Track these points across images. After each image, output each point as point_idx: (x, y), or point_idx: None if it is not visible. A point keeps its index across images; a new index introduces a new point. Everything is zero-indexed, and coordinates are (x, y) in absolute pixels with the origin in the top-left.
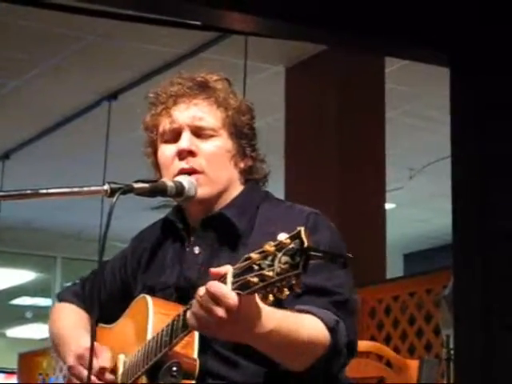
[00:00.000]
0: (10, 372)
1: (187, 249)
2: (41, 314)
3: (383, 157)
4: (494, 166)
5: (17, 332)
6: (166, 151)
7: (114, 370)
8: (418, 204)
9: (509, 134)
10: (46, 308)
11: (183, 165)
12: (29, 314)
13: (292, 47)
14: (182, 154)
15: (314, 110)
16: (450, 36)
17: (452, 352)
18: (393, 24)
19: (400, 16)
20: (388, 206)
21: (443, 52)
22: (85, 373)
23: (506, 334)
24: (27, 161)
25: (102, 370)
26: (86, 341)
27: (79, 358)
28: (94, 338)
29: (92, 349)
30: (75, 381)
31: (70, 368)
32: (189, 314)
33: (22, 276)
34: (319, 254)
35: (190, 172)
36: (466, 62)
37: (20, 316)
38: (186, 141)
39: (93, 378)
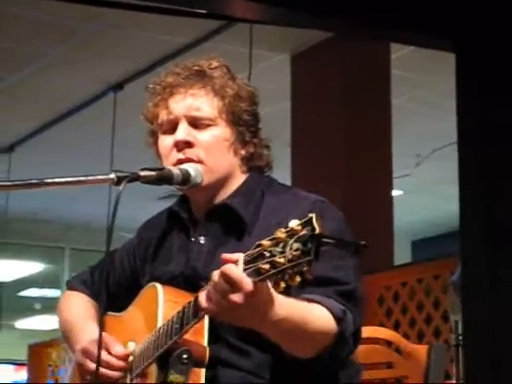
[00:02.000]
0: (20, 363)
1: (192, 239)
2: (49, 306)
3: (390, 144)
4: (500, 151)
5: (26, 323)
6: (164, 142)
7: (125, 359)
8: (425, 191)
9: None
10: (55, 299)
11: (180, 156)
12: (37, 306)
13: (297, 35)
14: (179, 146)
15: (319, 98)
16: (456, 21)
17: (461, 338)
18: (398, 10)
19: (405, 2)
20: (395, 192)
21: (448, 37)
22: (92, 367)
23: None
24: (33, 153)
25: (121, 356)
26: (93, 330)
27: (85, 351)
28: (102, 327)
29: (101, 337)
30: (87, 377)
31: (78, 365)
32: (202, 297)
33: (30, 267)
34: (331, 241)
35: (188, 162)
36: (471, 48)
37: (29, 307)
38: (182, 132)
39: (103, 370)
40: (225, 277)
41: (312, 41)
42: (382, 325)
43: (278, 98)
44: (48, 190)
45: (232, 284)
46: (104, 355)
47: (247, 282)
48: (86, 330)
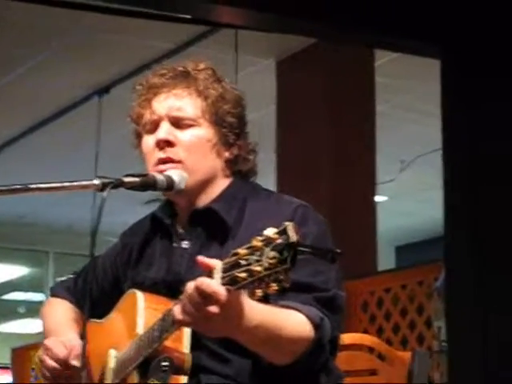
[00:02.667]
0: (3, 367)
1: (175, 244)
2: (33, 309)
3: (374, 149)
4: (485, 158)
5: (10, 327)
6: (147, 142)
7: (104, 366)
8: (409, 196)
9: (500, 127)
10: (39, 303)
11: (161, 155)
12: (21, 309)
13: (282, 40)
14: (160, 144)
15: (304, 103)
16: (441, 28)
17: (444, 344)
18: (382, 16)
19: (390, 8)
20: (379, 198)
21: (434, 44)
22: (52, 364)
23: (499, 327)
24: (17, 157)
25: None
26: (68, 336)
27: (46, 349)
28: (85, 333)
29: (85, 341)
30: (46, 373)
31: (40, 361)
32: (176, 309)
33: (14, 271)
34: (307, 249)
35: (167, 161)
36: (457, 54)
37: (13, 311)
38: (163, 131)
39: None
40: (199, 291)
41: (297, 47)
42: (365, 331)
43: (263, 104)
44: (32, 195)
45: (207, 297)
46: (62, 354)
47: (222, 294)
48: (56, 334)
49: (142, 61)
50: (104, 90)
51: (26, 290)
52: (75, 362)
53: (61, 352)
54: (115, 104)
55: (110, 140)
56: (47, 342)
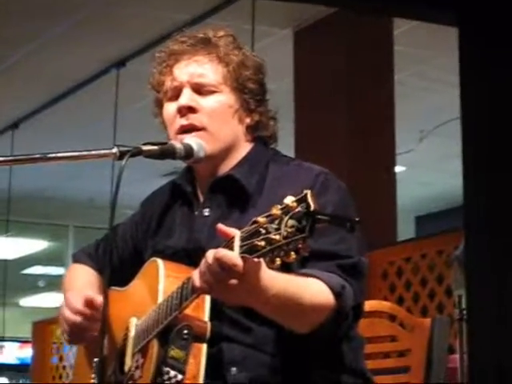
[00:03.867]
0: (24, 341)
1: (196, 212)
2: (53, 283)
3: (393, 119)
4: (504, 125)
5: (30, 301)
6: (169, 109)
7: (126, 333)
8: (428, 166)
9: None
10: (59, 277)
11: (183, 121)
12: (42, 283)
13: (300, 10)
14: (182, 111)
15: (322, 73)
16: None
17: (464, 312)
18: None
19: None
20: (398, 168)
21: (452, 11)
22: (70, 316)
23: None
24: (36, 130)
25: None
26: (84, 291)
27: (66, 302)
28: (106, 296)
29: (105, 309)
30: (64, 326)
31: (60, 314)
32: (195, 276)
33: (34, 245)
34: (326, 218)
35: (191, 129)
36: (474, 22)
37: (33, 285)
38: (186, 97)
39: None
40: (219, 262)
41: (315, 16)
42: (385, 300)
43: (280, 74)
44: (51, 168)
45: (226, 269)
46: (78, 304)
47: (240, 266)
48: (79, 289)
49: (158, 33)
50: (121, 63)
51: (46, 264)
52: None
53: (79, 303)
54: (133, 77)
55: (128, 113)
56: (68, 294)
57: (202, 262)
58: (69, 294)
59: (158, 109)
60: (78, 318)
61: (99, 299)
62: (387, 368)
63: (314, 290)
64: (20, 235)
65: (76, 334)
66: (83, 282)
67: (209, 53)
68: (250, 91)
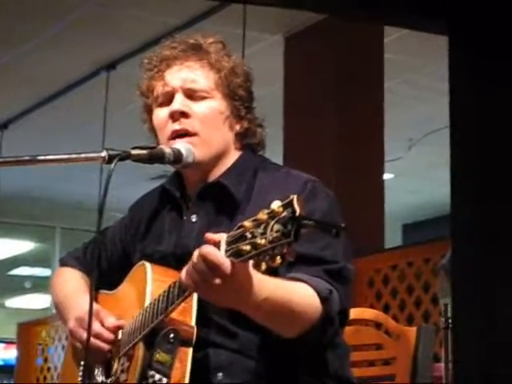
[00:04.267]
0: (9, 342)
1: (184, 217)
2: (40, 284)
3: (382, 127)
4: (492, 135)
5: (16, 302)
6: (160, 114)
7: (114, 331)
8: (416, 174)
9: (509, 105)
10: (45, 278)
11: (175, 126)
12: (28, 284)
13: (290, 16)
14: (175, 116)
15: (312, 80)
16: (449, 3)
17: (450, 321)
18: None
19: None
20: (387, 176)
21: (441, 19)
22: (84, 335)
23: (504, 304)
24: (25, 131)
25: (113, 329)
26: (86, 302)
27: (79, 320)
28: (92, 300)
29: (91, 311)
30: (77, 344)
31: (70, 331)
32: (183, 274)
33: (21, 246)
34: (311, 223)
35: (183, 134)
36: (464, 30)
37: (19, 286)
38: (179, 102)
39: (94, 341)
40: (204, 259)
41: (305, 23)
42: (371, 308)
43: (270, 80)
44: (40, 169)
45: (211, 267)
46: (97, 326)
47: (226, 266)
48: (80, 303)
49: (149, 37)
50: (111, 66)
51: (33, 265)
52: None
53: (106, 332)
54: (123, 80)
55: (118, 116)
56: (78, 314)
57: (190, 261)
58: (81, 313)
59: (146, 115)
60: (103, 345)
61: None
62: (373, 376)
63: (301, 294)
64: (7, 236)
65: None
66: (74, 287)
67: (200, 59)
68: (240, 98)
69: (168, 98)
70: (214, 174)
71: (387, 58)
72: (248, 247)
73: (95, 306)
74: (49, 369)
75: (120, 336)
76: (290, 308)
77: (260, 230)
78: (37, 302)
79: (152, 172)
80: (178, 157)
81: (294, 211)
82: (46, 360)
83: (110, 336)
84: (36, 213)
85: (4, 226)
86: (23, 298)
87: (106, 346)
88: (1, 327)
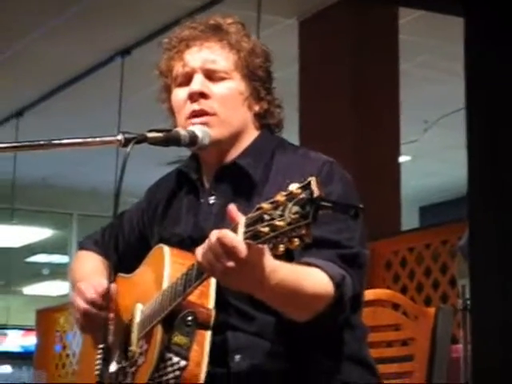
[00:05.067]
0: (28, 329)
1: (202, 199)
2: (57, 271)
3: (398, 109)
4: (508, 117)
5: (34, 289)
6: (179, 94)
7: (131, 319)
8: (433, 156)
9: None
10: (63, 265)
11: (194, 107)
12: (45, 271)
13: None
14: (194, 97)
15: (327, 63)
16: None
17: (468, 302)
18: None
19: None
20: (403, 158)
21: (458, 1)
22: (81, 304)
23: None
24: (41, 118)
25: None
26: (97, 279)
27: (78, 290)
28: (110, 282)
29: (108, 295)
30: (76, 315)
31: (72, 303)
32: (199, 253)
33: (38, 233)
34: (329, 205)
35: (201, 114)
36: (480, 12)
37: (37, 273)
38: (198, 83)
39: (89, 308)
40: (221, 243)
41: (320, 5)
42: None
43: (285, 63)
44: (56, 156)
45: (226, 250)
46: (89, 294)
47: (241, 249)
48: (89, 278)
49: (163, 21)
50: (126, 52)
51: (50, 253)
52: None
53: (91, 293)
54: (137, 65)
55: (133, 102)
56: (79, 284)
57: (206, 240)
58: (80, 283)
59: (165, 94)
60: (90, 308)
61: (111, 287)
62: (390, 357)
63: (315, 279)
64: (24, 223)
65: (89, 322)
66: (91, 269)
67: (220, 39)
68: (260, 79)
69: (187, 79)
70: (231, 154)
71: (402, 39)
72: (266, 229)
73: (97, 280)
74: (67, 355)
75: (138, 318)
76: (302, 293)
77: (278, 212)
78: (55, 288)
79: (168, 156)
80: (193, 139)
81: (312, 193)
82: (64, 347)
83: (101, 302)
84: (52, 200)
85: (21, 214)
86: (41, 285)
87: (96, 312)
88: (19, 314)
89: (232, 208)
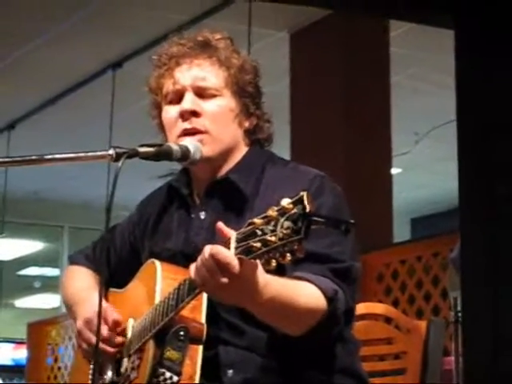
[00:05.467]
0: (19, 342)
1: (192, 214)
2: (49, 284)
3: (389, 121)
4: (499, 129)
5: (25, 302)
6: (170, 112)
7: (123, 334)
8: (424, 168)
9: None
10: (54, 278)
11: (186, 125)
12: (37, 284)
13: (296, 13)
14: (185, 115)
15: (319, 76)
16: None
17: (460, 314)
18: None
19: None
20: (394, 170)
21: (448, 13)
22: (92, 338)
23: None
24: (33, 131)
25: (112, 333)
26: (95, 302)
27: (87, 322)
28: (101, 298)
29: (100, 310)
30: (83, 345)
31: (78, 332)
32: (192, 269)
33: (29, 246)
34: (321, 220)
35: (193, 132)
36: (470, 24)
37: (28, 286)
38: (189, 102)
39: (101, 344)
40: (214, 259)
41: (311, 19)
42: (380, 302)
43: (276, 76)
44: (47, 169)
45: (220, 266)
46: (105, 331)
47: (234, 265)
48: (89, 301)
49: (155, 34)
50: (118, 65)
51: (42, 265)
52: (119, 340)
53: (105, 330)
54: (129, 78)
55: (124, 115)
56: (86, 314)
57: (200, 256)
58: (89, 314)
59: (155, 111)
60: (110, 350)
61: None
62: (383, 370)
63: (307, 294)
64: (15, 236)
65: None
66: (82, 284)
67: (209, 56)
68: (250, 95)
69: (178, 96)
70: (222, 170)
71: (393, 52)
72: (258, 244)
73: (104, 304)
74: (59, 368)
75: (130, 334)
76: (294, 307)
77: (270, 227)
78: (46, 301)
79: (159, 170)
80: (185, 154)
81: (304, 208)
82: (56, 359)
83: (117, 340)
84: (44, 213)
85: (12, 227)
86: (33, 297)
87: (112, 351)
88: (11, 327)
89: (220, 225)
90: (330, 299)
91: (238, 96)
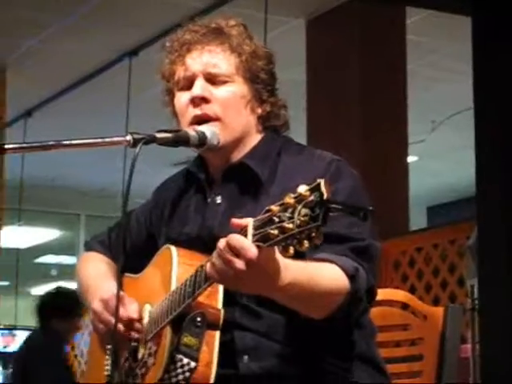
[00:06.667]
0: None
1: (209, 199)
2: (65, 272)
3: (405, 109)
4: None
5: (42, 290)
6: (181, 99)
7: (139, 320)
8: (440, 156)
9: None
10: (71, 266)
11: (196, 111)
12: (53, 272)
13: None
14: (195, 101)
15: (334, 63)
16: None
17: (476, 302)
18: None
19: None
20: (410, 158)
21: (465, 1)
22: (112, 320)
23: None
24: (49, 119)
25: (131, 320)
26: (111, 286)
27: (105, 302)
28: (120, 284)
29: (118, 295)
30: (100, 326)
31: (94, 312)
32: (208, 265)
33: (46, 234)
34: (339, 207)
35: (204, 119)
36: (488, 11)
37: (45, 274)
38: (199, 88)
39: (120, 326)
40: (229, 246)
41: (327, 6)
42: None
43: (293, 64)
44: (64, 157)
45: (236, 252)
46: (123, 312)
47: (251, 250)
48: (104, 286)
49: (171, 22)
50: (134, 53)
51: (58, 253)
52: (138, 326)
53: (126, 312)
54: (145, 66)
55: (141, 102)
56: (104, 294)
57: (214, 251)
58: (106, 294)
59: (168, 98)
60: (123, 327)
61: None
62: (399, 356)
63: (328, 274)
64: (32, 224)
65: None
66: (98, 271)
67: (221, 43)
68: (262, 81)
69: (189, 83)
70: (237, 156)
71: (409, 39)
72: (276, 231)
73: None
74: (76, 356)
75: (146, 320)
76: (317, 289)
77: (287, 214)
78: None
79: (175, 157)
80: (202, 139)
81: (321, 195)
82: (72, 347)
83: (136, 325)
84: (60, 201)
85: (29, 215)
86: (49, 285)
87: (131, 335)
88: (28, 315)
89: (233, 221)
90: (352, 277)
91: (249, 82)
